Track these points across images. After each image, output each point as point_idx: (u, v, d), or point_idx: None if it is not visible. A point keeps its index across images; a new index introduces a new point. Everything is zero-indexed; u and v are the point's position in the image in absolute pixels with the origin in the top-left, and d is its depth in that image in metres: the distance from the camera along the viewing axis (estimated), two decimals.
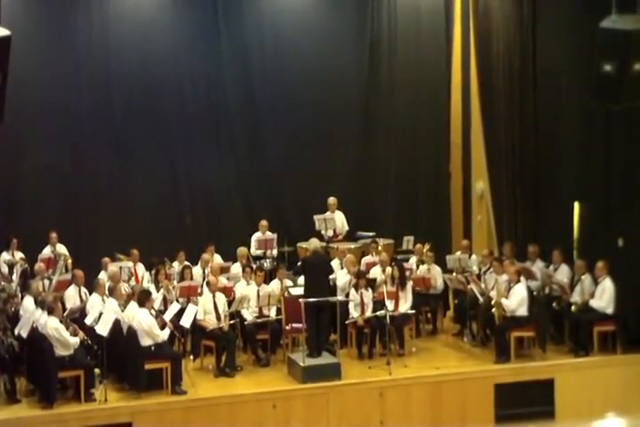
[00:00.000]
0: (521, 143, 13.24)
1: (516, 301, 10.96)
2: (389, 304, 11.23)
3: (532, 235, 12.99)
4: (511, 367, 10.80)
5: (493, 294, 11.26)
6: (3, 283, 10.76)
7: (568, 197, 12.68)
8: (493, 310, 11.07)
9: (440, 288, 12.67)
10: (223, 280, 11.89)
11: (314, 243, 11.44)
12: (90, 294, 11.10)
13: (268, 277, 12.24)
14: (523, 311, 10.99)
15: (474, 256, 13.01)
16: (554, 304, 11.63)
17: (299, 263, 11.58)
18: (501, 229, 13.32)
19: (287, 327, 11.21)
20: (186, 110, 14.24)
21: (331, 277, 11.97)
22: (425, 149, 15.13)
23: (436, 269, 12.73)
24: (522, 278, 11.25)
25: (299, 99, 14.57)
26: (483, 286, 11.79)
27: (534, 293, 11.64)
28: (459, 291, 12.48)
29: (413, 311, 11.58)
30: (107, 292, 10.92)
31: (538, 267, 12.14)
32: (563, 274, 11.87)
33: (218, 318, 10.92)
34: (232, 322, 11.04)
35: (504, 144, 13.33)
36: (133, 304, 10.32)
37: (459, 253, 13.09)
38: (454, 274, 12.47)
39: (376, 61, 15.01)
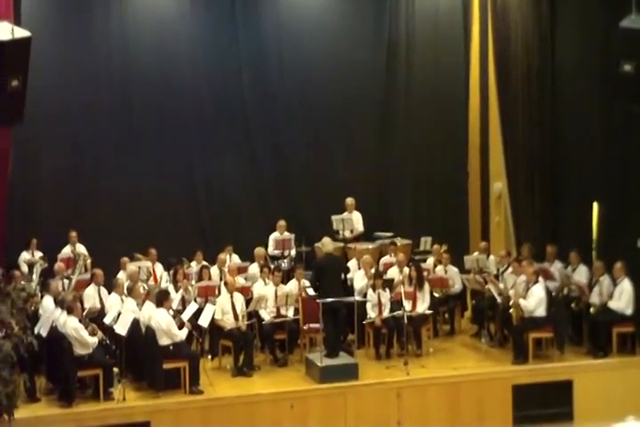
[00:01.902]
0: (539, 143, 13.19)
1: (534, 301, 10.90)
2: (407, 304, 11.21)
3: (550, 235, 12.94)
4: (529, 368, 10.76)
5: (511, 294, 11.21)
6: (23, 282, 10.74)
7: (587, 197, 12.63)
8: (511, 310, 11.04)
9: (458, 289, 12.66)
10: (241, 280, 11.89)
11: (327, 244, 11.37)
12: (109, 293, 11.16)
13: (286, 278, 12.26)
14: (541, 312, 10.93)
15: (492, 257, 12.96)
16: (572, 305, 11.57)
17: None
18: (519, 230, 13.26)
19: (305, 327, 11.24)
20: (203, 110, 14.22)
21: (348, 276, 11.98)
22: (443, 149, 15.05)
23: (453, 270, 12.71)
24: (540, 279, 11.17)
25: (315, 98, 14.54)
26: (501, 286, 11.72)
27: (553, 293, 11.53)
28: (476, 291, 12.41)
29: (431, 312, 11.58)
30: (125, 291, 10.93)
31: (556, 268, 12.07)
32: (581, 275, 11.81)
33: (235, 317, 10.94)
34: (250, 322, 11.07)
35: (522, 144, 13.29)
36: (149, 304, 10.38)
37: (476, 253, 13.03)
38: (472, 274, 12.41)
39: (394, 61, 14.92)
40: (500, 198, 14.10)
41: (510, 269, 11.94)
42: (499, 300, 11.49)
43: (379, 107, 15.02)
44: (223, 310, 10.95)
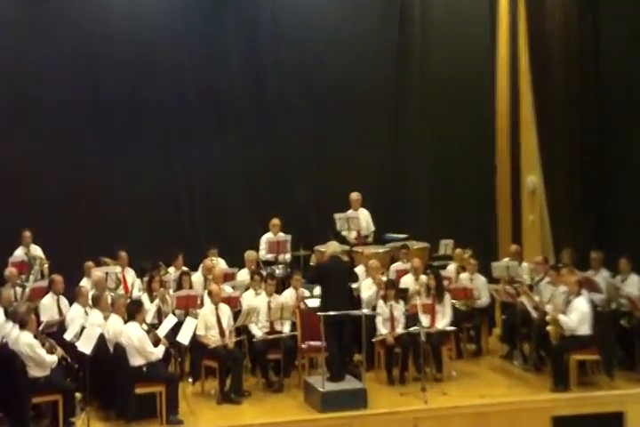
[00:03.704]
0: (582, 129, 13.24)
1: (577, 317, 10.83)
2: (424, 319, 11.22)
3: (595, 239, 13.01)
4: (571, 397, 10.66)
5: (549, 308, 11.18)
6: None
7: (639, 194, 12.61)
8: (549, 327, 10.98)
9: (485, 301, 12.64)
10: (228, 289, 11.91)
11: (332, 246, 11.39)
12: (70, 304, 11.10)
13: (281, 286, 12.27)
14: (585, 330, 10.86)
15: (525, 264, 12.99)
16: (622, 322, 11.47)
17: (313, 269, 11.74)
18: (558, 232, 13.44)
19: (303, 346, 11.20)
20: (184, 95, 14.53)
21: (353, 286, 11.92)
22: (467, 137, 15.25)
23: (480, 280, 12.76)
24: (583, 291, 11.12)
25: (316, 81, 14.84)
26: (536, 298, 11.67)
27: (598, 308, 11.52)
28: (507, 305, 12.40)
29: (453, 328, 11.56)
30: (90, 302, 10.90)
31: (602, 277, 12.03)
32: (632, 286, 11.74)
33: (221, 333, 10.89)
34: (238, 339, 11.04)
35: (561, 130, 13.39)
36: (115, 317, 10.33)
37: (507, 259, 13.09)
38: (501, 285, 12.42)
39: (408, 40, 15.31)
40: (535, 194, 14.25)
41: (547, 279, 11.91)
42: (534, 315, 11.44)
43: (391, 89, 15.30)
44: (207, 325, 10.91)
